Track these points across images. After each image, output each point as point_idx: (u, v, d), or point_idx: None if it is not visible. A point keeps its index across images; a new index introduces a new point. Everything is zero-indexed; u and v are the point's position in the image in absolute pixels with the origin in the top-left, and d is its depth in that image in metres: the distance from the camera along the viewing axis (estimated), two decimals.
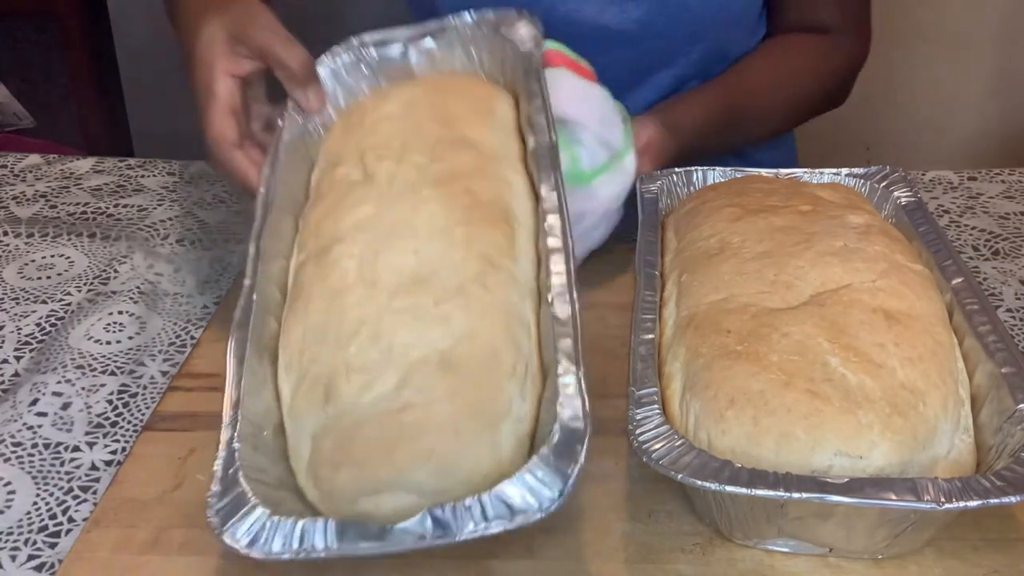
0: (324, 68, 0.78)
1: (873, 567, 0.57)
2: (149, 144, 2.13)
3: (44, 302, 0.86)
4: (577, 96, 0.78)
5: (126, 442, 0.70)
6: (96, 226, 0.98)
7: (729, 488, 0.52)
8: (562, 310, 0.55)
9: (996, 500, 0.51)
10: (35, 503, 0.65)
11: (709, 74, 0.98)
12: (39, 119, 1.91)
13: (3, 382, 0.76)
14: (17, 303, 0.86)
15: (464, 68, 0.79)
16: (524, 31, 0.75)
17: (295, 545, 0.49)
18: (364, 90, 0.79)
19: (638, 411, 0.57)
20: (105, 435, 0.70)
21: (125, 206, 1.02)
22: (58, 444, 0.69)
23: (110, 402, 0.74)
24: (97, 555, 0.60)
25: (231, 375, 0.57)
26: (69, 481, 0.66)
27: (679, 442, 0.55)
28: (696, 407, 0.58)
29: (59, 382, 0.75)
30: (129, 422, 0.72)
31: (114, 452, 0.69)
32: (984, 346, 0.61)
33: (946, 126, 2.08)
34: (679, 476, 0.53)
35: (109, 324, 0.82)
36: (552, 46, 0.79)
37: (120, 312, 0.84)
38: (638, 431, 0.56)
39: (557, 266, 0.58)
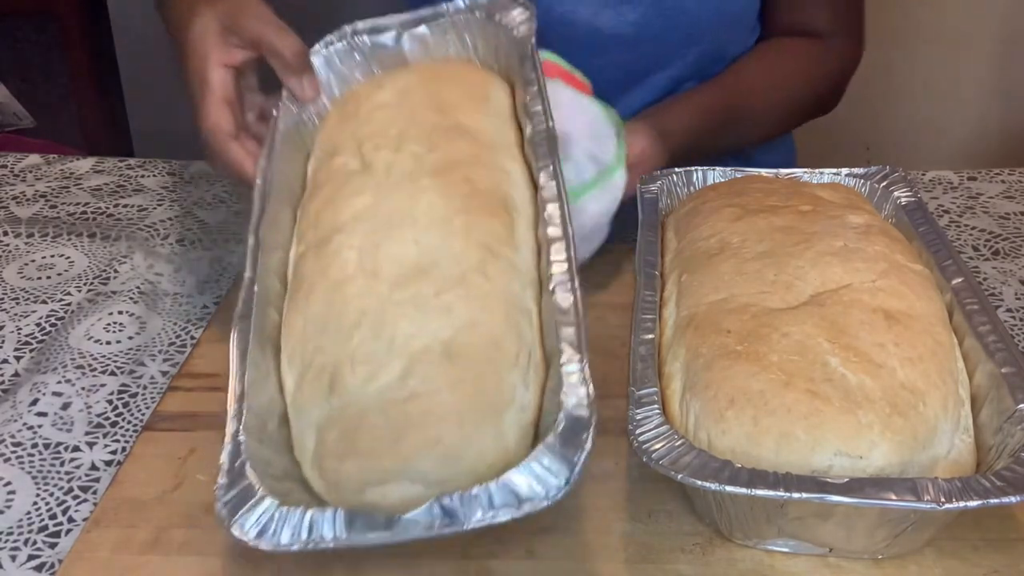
0: (317, 57, 0.77)
1: (873, 567, 0.57)
2: (149, 144, 2.13)
3: (44, 302, 0.86)
4: (569, 109, 0.77)
5: (126, 442, 0.70)
6: (96, 226, 0.98)
7: (729, 488, 0.52)
8: (564, 299, 0.55)
9: (996, 500, 0.51)
10: (35, 503, 0.65)
11: (706, 75, 0.98)
12: (39, 119, 1.91)
13: (3, 382, 0.76)
14: (17, 303, 0.86)
15: (458, 55, 0.79)
16: (518, 17, 0.75)
17: (304, 536, 0.49)
18: (358, 78, 0.79)
19: (638, 411, 0.57)
20: (105, 435, 0.70)
21: (125, 206, 1.02)
22: (58, 444, 0.69)
23: (110, 402, 0.74)
24: (97, 555, 0.60)
25: (235, 368, 0.57)
26: (69, 481, 0.66)
27: (679, 442, 0.55)
28: (696, 407, 0.58)
29: (59, 382, 0.75)
30: (129, 422, 0.72)
31: (114, 452, 0.69)
32: (984, 346, 0.61)
33: (946, 126, 2.08)
34: (679, 476, 0.53)
35: (109, 324, 0.82)
36: (547, 57, 0.78)
37: (120, 312, 0.84)
38: (638, 431, 0.56)
39: (558, 255, 0.58)
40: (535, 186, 0.65)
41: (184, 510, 0.62)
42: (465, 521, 0.47)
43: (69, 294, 0.87)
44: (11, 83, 1.92)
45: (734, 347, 0.59)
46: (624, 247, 0.80)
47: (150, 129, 2.13)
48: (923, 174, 1.05)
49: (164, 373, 0.77)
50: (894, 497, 0.51)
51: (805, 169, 0.81)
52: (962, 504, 0.51)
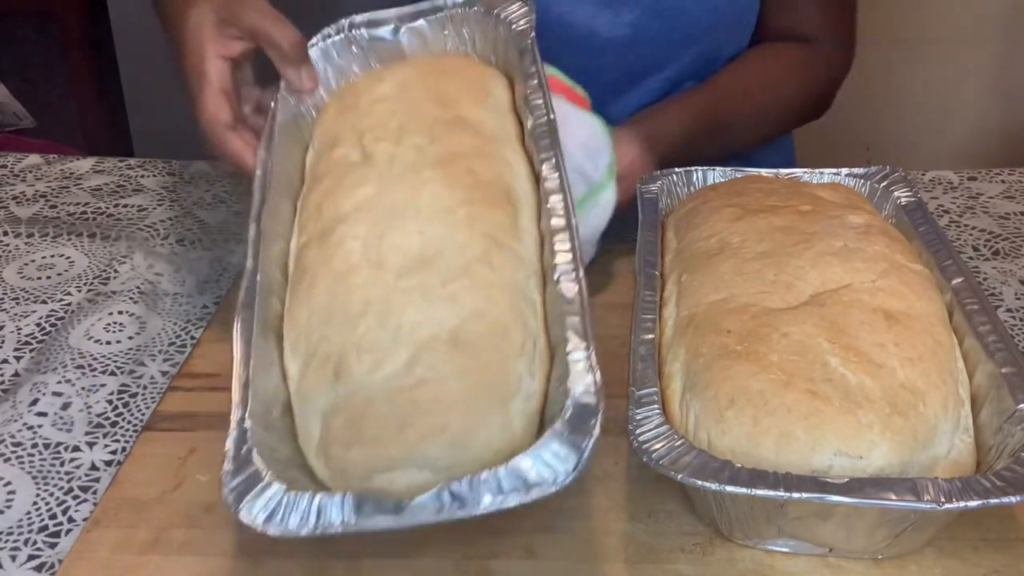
0: (315, 49, 0.77)
1: (873, 567, 0.57)
2: (149, 144, 2.13)
3: (44, 302, 0.86)
4: (567, 124, 0.76)
5: (126, 442, 0.70)
6: (96, 226, 0.98)
7: (729, 488, 0.52)
8: (569, 288, 0.55)
9: (996, 500, 0.51)
10: (35, 503, 0.65)
11: (702, 76, 0.97)
12: (39, 119, 1.91)
13: (3, 382, 0.76)
14: (17, 303, 0.86)
15: (456, 49, 0.78)
16: (517, 11, 0.74)
17: (312, 521, 0.48)
18: (355, 71, 0.79)
19: (638, 411, 0.57)
20: (105, 435, 0.70)
21: (125, 206, 1.02)
22: (58, 444, 0.69)
23: (110, 402, 0.74)
24: (97, 555, 0.60)
25: (239, 355, 0.57)
26: (69, 481, 0.66)
27: (679, 442, 0.55)
28: (696, 407, 0.58)
29: (59, 382, 0.75)
30: (129, 422, 0.72)
31: (114, 452, 0.69)
32: (984, 346, 0.61)
33: (946, 126, 2.09)
34: (679, 476, 0.53)
35: (109, 324, 0.82)
36: (548, 71, 0.78)
37: (120, 312, 0.84)
38: (638, 431, 0.56)
39: (562, 245, 0.58)
40: (536, 179, 0.65)
41: (184, 510, 0.63)
42: (474, 506, 0.47)
43: (69, 294, 0.87)
44: (11, 83, 1.92)
45: (734, 347, 0.59)
46: (624, 247, 0.80)
47: (150, 129, 2.13)
48: (923, 174, 1.05)
49: (164, 373, 0.77)
50: (894, 497, 0.51)
51: (805, 169, 0.81)
52: (962, 504, 0.51)
